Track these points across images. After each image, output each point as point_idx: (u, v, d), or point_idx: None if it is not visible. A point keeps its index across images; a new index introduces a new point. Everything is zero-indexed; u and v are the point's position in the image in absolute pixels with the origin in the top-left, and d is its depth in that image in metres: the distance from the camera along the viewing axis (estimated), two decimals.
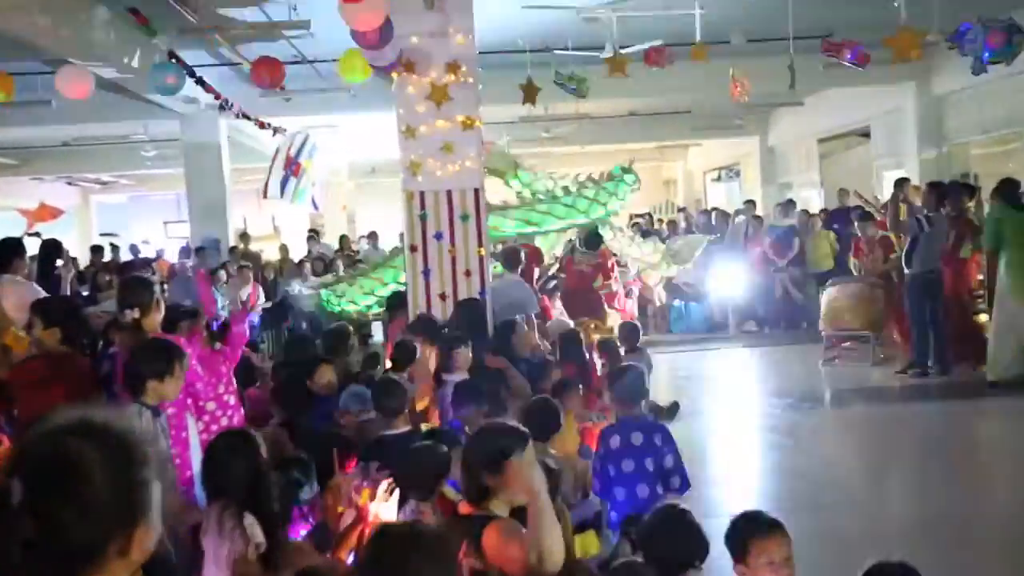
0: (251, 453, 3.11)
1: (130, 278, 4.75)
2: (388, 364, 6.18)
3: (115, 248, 16.22)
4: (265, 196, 10.41)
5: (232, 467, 3.07)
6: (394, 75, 7.05)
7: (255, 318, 10.28)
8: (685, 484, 4.22)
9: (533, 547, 2.64)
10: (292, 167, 10.07)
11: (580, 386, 5.69)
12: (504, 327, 6.24)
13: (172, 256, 15.48)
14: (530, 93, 10.40)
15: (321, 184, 11.17)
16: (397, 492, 3.66)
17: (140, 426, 3.40)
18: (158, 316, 4.25)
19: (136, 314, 4.12)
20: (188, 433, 3.83)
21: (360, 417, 4.89)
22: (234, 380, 4.81)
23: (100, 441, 1.35)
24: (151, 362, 3.73)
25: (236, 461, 3.07)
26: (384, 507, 3.59)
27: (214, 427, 4.10)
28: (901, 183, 9.86)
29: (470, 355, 5.63)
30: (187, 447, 3.79)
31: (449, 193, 7.05)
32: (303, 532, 3.60)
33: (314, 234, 16.65)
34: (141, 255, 15.85)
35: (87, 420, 1.38)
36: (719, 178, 24.64)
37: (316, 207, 10.51)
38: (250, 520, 2.98)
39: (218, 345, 4.88)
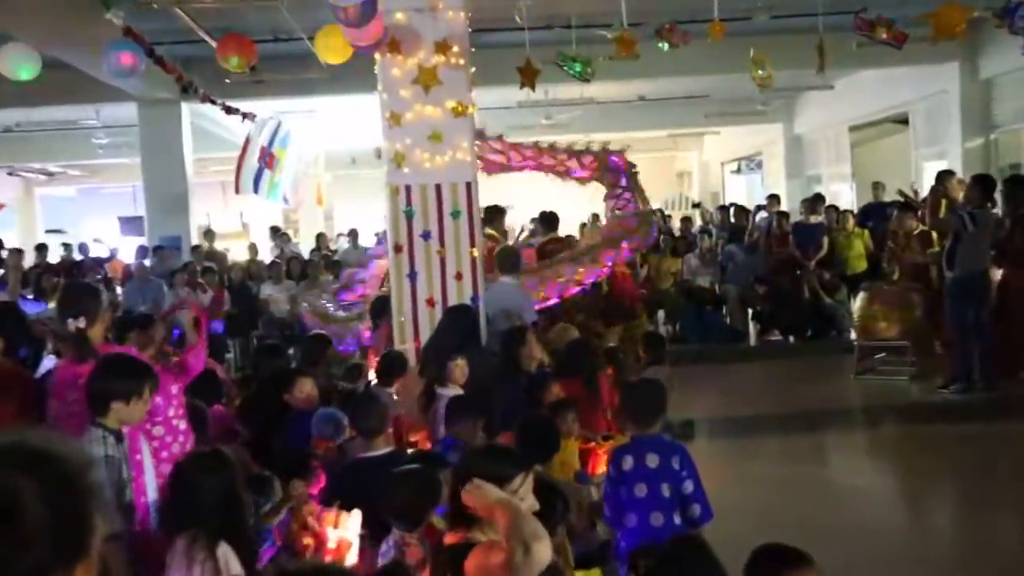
0: (226, 476, 3.12)
1: (74, 283, 4.74)
2: (372, 376, 6.20)
3: (67, 247, 16.20)
4: (237, 191, 10.40)
5: (205, 492, 3.07)
6: (377, 55, 7.06)
7: (220, 326, 10.28)
8: (706, 513, 4.21)
9: (516, 540, 2.60)
10: (266, 158, 10.06)
11: (578, 406, 5.72)
12: (511, 337, 6.21)
13: (127, 256, 15.46)
14: (529, 76, 10.41)
15: (294, 176, 11.15)
16: (357, 515, 3.67)
17: (99, 453, 3.45)
18: (102, 327, 4.24)
19: (81, 323, 4.10)
20: (142, 456, 3.82)
21: (337, 442, 4.90)
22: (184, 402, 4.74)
23: (37, 469, 1.34)
24: (119, 380, 3.70)
25: (209, 485, 3.07)
26: (345, 533, 3.61)
27: (164, 453, 4.06)
28: (943, 177, 9.85)
29: (466, 368, 5.65)
30: (142, 471, 3.79)
31: (438, 187, 7.06)
32: (268, 556, 3.62)
33: (278, 233, 16.48)
34: (92, 255, 15.83)
35: (23, 445, 1.37)
36: (739, 170, 24.70)
37: (287, 202, 10.50)
38: (224, 550, 2.98)
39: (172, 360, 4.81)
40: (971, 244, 8.87)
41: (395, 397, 5.83)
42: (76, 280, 8.67)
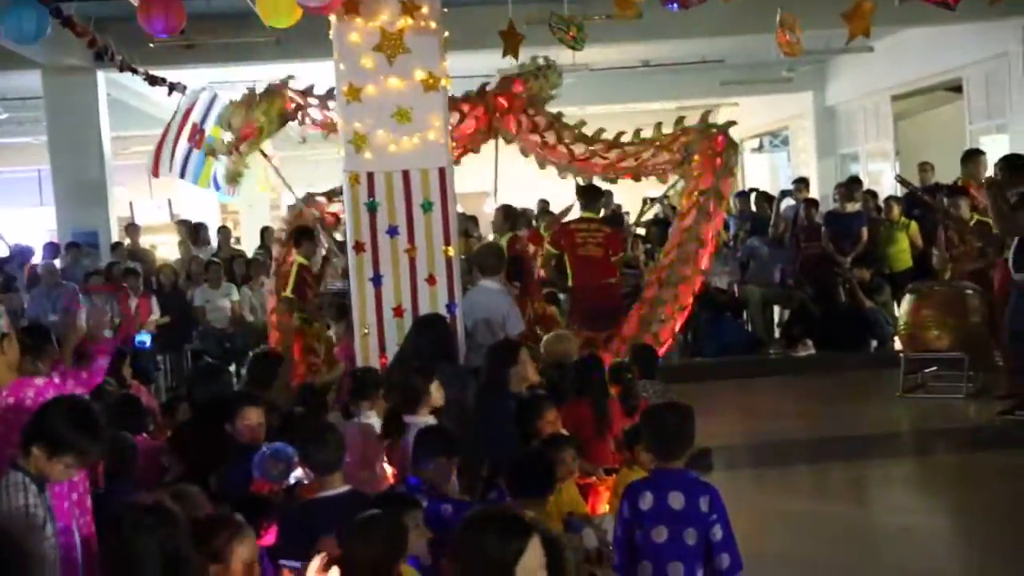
0: (168, 535, 3.08)
1: None
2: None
3: None
4: (156, 173, 10.32)
5: (145, 557, 3.04)
6: (332, 17, 7.05)
7: (147, 339, 10.22)
8: (736, 564, 4.21)
9: None
10: (196, 137, 10.01)
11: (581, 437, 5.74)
12: (498, 354, 6.16)
13: (33, 255, 15.33)
14: (512, 42, 10.36)
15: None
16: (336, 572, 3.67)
17: (15, 502, 3.43)
18: (12, 353, 4.19)
19: None
20: (70, 506, 3.81)
21: (283, 483, 4.89)
22: None
23: None
24: (56, 427, 3.68)
25: (149, 547, 3.04)
26: None
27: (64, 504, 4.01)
28: (1008, 166, 9.44)
29: (440, 393, 5.63)
30: (70, 528, 3.77)
31: (406, 174, 7.07)
32: None
33: (189, 227, 15.09)
34: None
35: None
36: (760, 148, 24.81)
37: (218, 187, 10.41)
38: None
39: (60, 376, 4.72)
40: None
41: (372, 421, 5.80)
42: None
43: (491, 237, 11.35)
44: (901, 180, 12.27)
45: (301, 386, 7.14)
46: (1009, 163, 9.39)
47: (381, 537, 3.61)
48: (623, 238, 9.07)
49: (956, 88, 16.87)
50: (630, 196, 17.43)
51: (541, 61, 8.88)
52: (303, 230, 8.97)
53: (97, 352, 4.70)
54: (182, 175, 10.35)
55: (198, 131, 10.13)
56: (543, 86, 8.74)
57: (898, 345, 10.73)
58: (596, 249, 9.54)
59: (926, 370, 10.59)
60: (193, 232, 14.73)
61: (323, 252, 9.44)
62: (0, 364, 4.13)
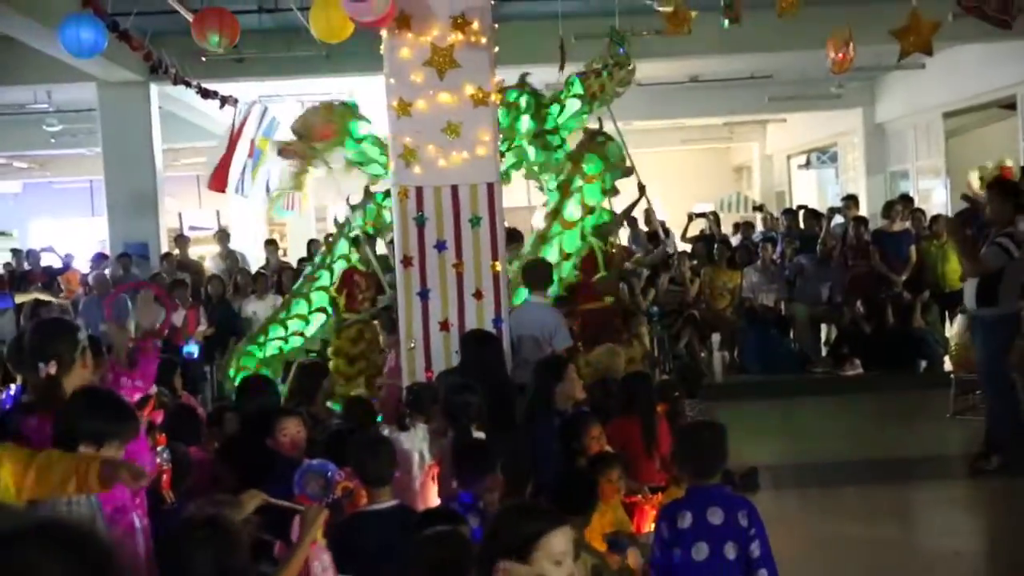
0: (224, 549, 3.08)
1: (45, 321, 4.74)
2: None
3: (16, 253, 16.25)
4: (221, 189, 10.43)
5: (198, 570, 3.04)
6: (383, 33, 7.10)
7: (195, 349, 10.32)
8: None
9: None
10: (252, 151, 10.15)
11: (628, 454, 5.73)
12: (546, 370, 6.18)
13: (84, 265, 15.58)
14: (566, 56, 10.43)
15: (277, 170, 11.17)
16: None
17: (61, 508, 3.46)
18: (85, 372, 4.17)
19: (52, 369, 4.03)
20: (137, 526, 3.85)
21: (326, 500, 4.89)
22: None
23: (63, 551, 1.38)
24: (94, 419, 3.72)
25: (202, 562, 3.05)
26: None
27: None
28: (1000, 192, 8.73)
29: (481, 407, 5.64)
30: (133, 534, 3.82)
31: (455, 189, 7.08)
32: None
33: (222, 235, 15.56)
34: (43, 264, 15.93)
35: (50, 526, 1.42)
36: (808, 164, 24.65)
37: (290, 208, 10.41)
38: None
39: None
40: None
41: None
42: (48, 316, 8.69)
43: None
44: (967, 198, 12.03)
45: (349, 399, 7.17)
46: (1002, 189, 8.75)
47: (442, 552, 3.61)
48: (595, 260, 8.90)
49: (1010, 105, 16.70)
50: (674, 213, 17.40)
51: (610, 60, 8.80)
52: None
53: (140, 354, 4.66)
54: (242, 191, 10.48)
55: (254, 147, 10.27)
56: (605, 83, 8.71)
57: (948, 366, 10.61)
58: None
59: (977, 392, 10.47)
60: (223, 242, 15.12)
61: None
62: (79, 375, 4.14)
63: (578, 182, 8.66)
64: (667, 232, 11.96)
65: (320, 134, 8.62)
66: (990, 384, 8.68)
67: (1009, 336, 8.44)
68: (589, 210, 8.74)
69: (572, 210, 8.67)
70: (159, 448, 4.48)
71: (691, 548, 4.20)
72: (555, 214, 8.71)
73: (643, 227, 13.89)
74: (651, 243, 13.06)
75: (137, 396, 4.47)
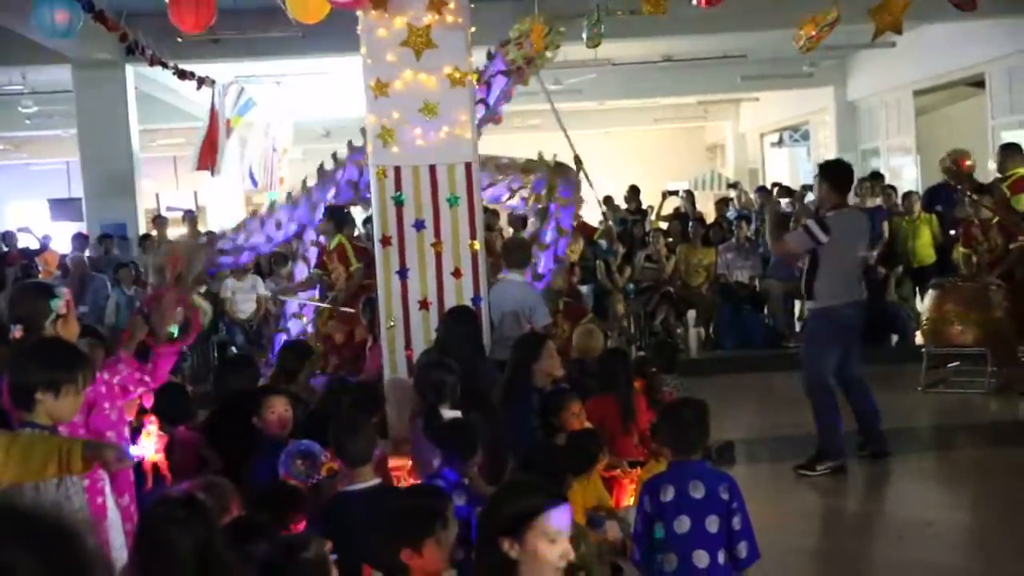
0: (200, 528, 3.05)
1: (21, 285, 4.71)
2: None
3: (6, 236, 16.09)
4: (207, 168, 10.39)
5: (177, 551, 3.01)
6: (360, 13, 7.06)
7: (174, 330, 10.26)
8: (754, 553, 4.28)
9: None
10: (227, 131, 10.11)
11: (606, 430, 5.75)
12: (524, 347, 6.19)
13: (62, 246, 15.44)
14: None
15: (262, 153, 11.16)
16: None
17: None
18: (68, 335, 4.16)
19: (18, 333, 4.07)
20: (105, 499, 3.82)
21: (310, 481, 4.89)
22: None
23: (34, 544, 1.36)
24: (46, 367, 3.70)
25: (181, 542, 3.02)
26: None
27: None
28: (830, 176, 8.25)
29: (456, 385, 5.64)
30: (104, 517, 3.79)
31: (433, 169, 7.06)
32: None
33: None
34: (19, 245, 15.81)
35: (12, 511, 1.40)
36: (780, 142, 24.72)
37: (255, 182, 10.46)
38: None
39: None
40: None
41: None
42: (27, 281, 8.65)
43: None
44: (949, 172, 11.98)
45: (331, 378, 7.16)
46: (830, 173, 8.25)
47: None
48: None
49: (978, 83, 16.78)
50: (649, 191, 17.43)
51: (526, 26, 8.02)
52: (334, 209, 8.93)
53: (159, 358, 4.61)
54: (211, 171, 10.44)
55: (229, 126, 10.22)
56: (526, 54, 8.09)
57: (919, 340, 10.68)
58: None
59: (948, 365, 10.56)
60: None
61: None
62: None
63: None
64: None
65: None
66: (811, 391, 8.01)
67: (826, 335, 7.96)
68: None
69: None
70: (151, 428, 4.47)
71: (673, 521, 4.23)
72: None
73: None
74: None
75: (141, 390, 4.45)
